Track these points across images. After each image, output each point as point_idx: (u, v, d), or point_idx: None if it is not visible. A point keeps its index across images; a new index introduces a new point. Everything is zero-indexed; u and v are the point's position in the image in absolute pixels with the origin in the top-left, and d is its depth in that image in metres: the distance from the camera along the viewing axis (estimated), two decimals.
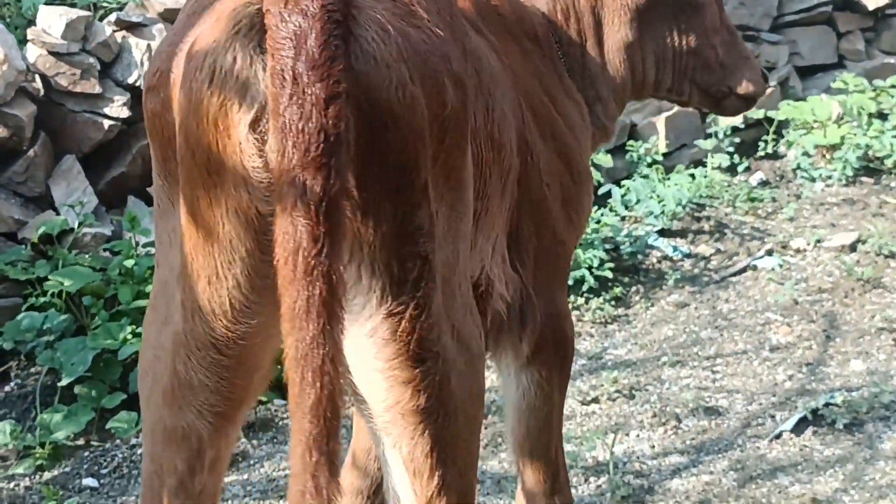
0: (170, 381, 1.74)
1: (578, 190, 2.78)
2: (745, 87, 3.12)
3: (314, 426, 1.36)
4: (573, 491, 3.79)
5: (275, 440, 4.22)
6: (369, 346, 1.58)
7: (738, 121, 6.94)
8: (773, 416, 4.29)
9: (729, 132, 6.76)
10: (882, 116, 7.03)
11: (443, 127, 1.57)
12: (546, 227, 2.65)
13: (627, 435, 4.20)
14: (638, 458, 4.04)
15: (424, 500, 1.67)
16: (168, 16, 5.68)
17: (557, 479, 2.83)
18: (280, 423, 4.32)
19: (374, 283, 1.54)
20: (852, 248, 5.77)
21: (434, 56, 1.56)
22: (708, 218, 6.16)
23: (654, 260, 5.73)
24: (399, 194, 1.51)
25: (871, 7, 8.04)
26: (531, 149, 2.57)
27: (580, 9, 2.89)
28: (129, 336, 4.25)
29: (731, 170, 6.70)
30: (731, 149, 6.73)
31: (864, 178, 6.67)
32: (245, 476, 3.99)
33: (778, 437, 4.12)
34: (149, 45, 5.22)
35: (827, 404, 4.24)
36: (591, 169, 3.47)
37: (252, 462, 4.08)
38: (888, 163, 6.68)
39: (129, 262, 4.54)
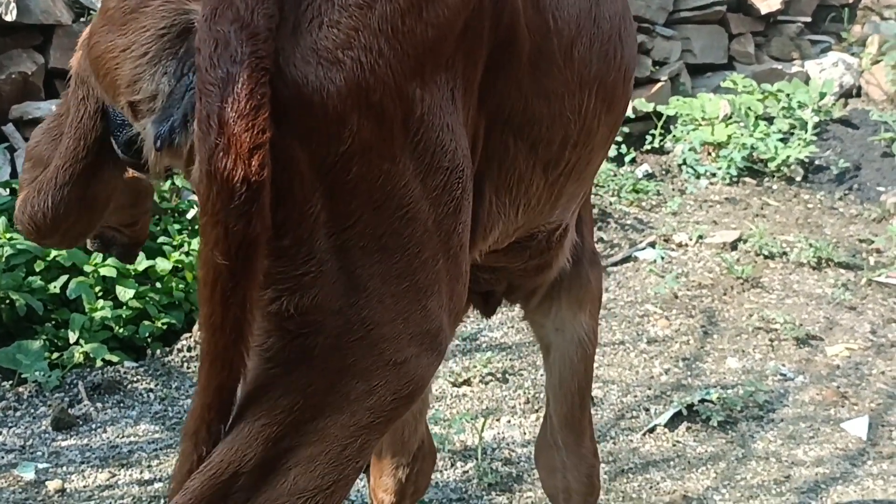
0: None
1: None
2: None
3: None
4: (438, 476, 3.59)
5: (121, 404, 3.89)
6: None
7: (627, 112, 6.85)
8: (647, 410, 4.17)
9: None
10: (768, 120, 7.05)
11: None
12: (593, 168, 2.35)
13: (498, 420, 4.01)
14: (508, 444, 3.86)
15: None
16: None
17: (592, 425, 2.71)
18: (129, 385, 3.99)
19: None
20: (733, 246, 5.72)
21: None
22: (592, 206, 6.03)
23: None
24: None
25: (763, 11, 8.09)
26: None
27: None
28: None
29: (618, 160, 6.61)
30: (618, 139, 6.63)
31: (747, 179, 6.66)
32: (85, 441, 3.65)
33: (651, 430, 4.00)
34: None
35: (702, 400, 4.14)
36: None
37: (94, 426, 3.74)
38: (771, 165, 6.68)
39: None
